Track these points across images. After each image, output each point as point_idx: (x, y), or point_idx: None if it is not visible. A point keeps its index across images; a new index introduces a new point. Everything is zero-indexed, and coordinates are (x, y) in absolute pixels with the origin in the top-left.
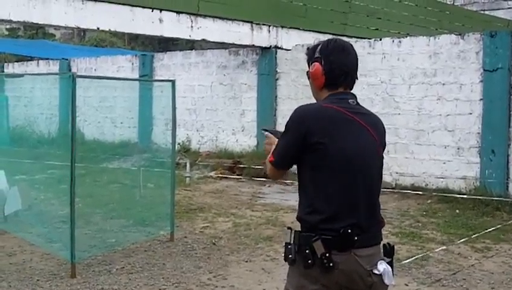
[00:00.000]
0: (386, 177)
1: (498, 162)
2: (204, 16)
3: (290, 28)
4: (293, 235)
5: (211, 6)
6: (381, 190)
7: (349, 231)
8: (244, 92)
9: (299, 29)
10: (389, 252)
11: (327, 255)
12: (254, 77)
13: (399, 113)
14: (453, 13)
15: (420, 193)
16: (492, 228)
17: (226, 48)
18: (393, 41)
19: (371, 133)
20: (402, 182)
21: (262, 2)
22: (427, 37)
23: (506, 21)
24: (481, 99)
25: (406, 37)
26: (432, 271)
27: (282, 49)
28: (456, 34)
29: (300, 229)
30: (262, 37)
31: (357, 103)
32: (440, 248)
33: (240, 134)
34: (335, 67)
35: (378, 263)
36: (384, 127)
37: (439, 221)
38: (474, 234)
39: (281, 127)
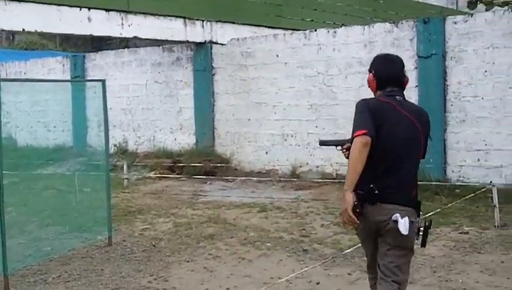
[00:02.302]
0: (327, 168)
1: (435, 148)
2: (135, 13)
3: (225, 22)
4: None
5: (142, 2)
6: (324, 180)
7: (373, 189)
8: (180, 89)
9: (234, 23)
10: (417, 208)
11: (360, 205)
12: (190, 73)
13: (337, 104)
14: (388, 2)
15: None
16: (432, 212)
17: (159, 45)
18: (328, 32)
19: (413, 122)
20: (343, 172)
21: None
22: (361, 26)
23: (439, 8)
24: (416, 86)
25: (341, 27)
26: None
27: (217, 44)
28: (390, 22)
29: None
30: (196, 32)
31: (404, 98)
32: None
33: (178, 132)
34: (380, 75)
35: (397, 214)
36: (428, 119)
37: None
38: None
39: (219, 122)
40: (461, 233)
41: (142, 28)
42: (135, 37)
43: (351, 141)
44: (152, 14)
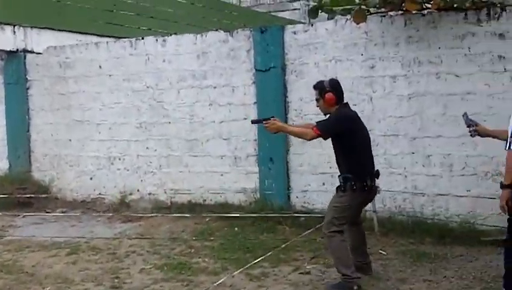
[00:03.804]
0: (160, 196)
1: (277, 171)
2: None
3: (43, 28)
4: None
5: None
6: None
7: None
8: None
9: (54, 29)
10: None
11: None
12: (1, 86)
13: (169, 122)
14: (239, 14)
15: (198, 210)
16: (269, 252)
17: None
18: (157, 40)
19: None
20: (178, 200)
21: None
22: (193, 35)
23: (289, 21)
24: (255, 102)
25: (171, 35)
26: None
27: (33, 52)
28: (225, 31)
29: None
30: (6, 38)
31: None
32: (212, 281)
33: None
34: (340, 93)
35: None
36: None
37: (215, 244)
38: (251, 258)
39: (36, 144)
40: (302, 273)
41: None
42: None
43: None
44: None
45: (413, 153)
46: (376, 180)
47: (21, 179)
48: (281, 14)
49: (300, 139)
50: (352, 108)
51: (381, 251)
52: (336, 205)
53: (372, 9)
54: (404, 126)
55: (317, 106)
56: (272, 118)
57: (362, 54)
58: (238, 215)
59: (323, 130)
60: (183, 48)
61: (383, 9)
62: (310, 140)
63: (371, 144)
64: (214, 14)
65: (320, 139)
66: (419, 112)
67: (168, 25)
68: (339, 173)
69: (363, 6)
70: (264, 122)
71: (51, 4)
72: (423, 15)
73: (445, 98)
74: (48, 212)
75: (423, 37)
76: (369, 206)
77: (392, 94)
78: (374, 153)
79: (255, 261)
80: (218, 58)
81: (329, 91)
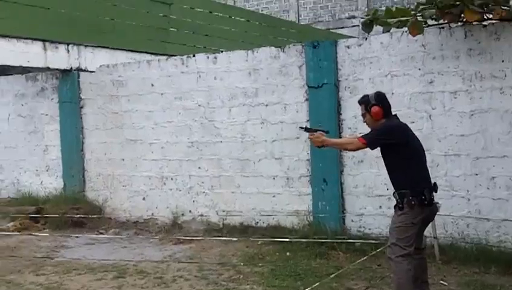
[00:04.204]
0: (212, 217)
1: (331, 193)
2: None
3: (97, 46)
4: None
5: None
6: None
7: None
8: (46, 124)
9: (108, 48)
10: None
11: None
12: (56, 105)
13: (221, 141)
14: (296, 31)
15: (250, 233)
16: (320, 280)
17: (22, 73)
18: (208, 57)
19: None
20: (230, 222)
21: (57, 16)
22: (244, 52)
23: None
24: (308, 120)
25: (222, 52)
26: None
27: (86, 71)
28: (276, 47)
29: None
30: (60, 57)
31: None
32: None
33: (44, 174)
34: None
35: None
36: None
37: (265, 270)
38: (302, 285)
39: (90, 163)
40: None
41: None
42: None
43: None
44: (1, 36)
45: (476, 174)
46: (434, 194)
47: (75, 199)
48: (340, 31)
49: (348, 152)
50: (410, 126)
51: (442, 282)
52: (397, 226)
53: (429, 21)
54: (466, 145)
55: (364, 121)
56: (319, 131)
57: (420, 69)
58: (289, 239)
59: (370, 138)
60: (234, 65)
61: (441, 21)
62: (355, 150)
63: (430, 164)
64: (270, 31)
65: (377, 159)
66: (482, 130)
67: (223, 43)
68: (394, 190)
69: (419, 18)
70: (309, 133)
71: (105, 22)
72: (484, 26)
73: (510, 115)
74: (100, 233)
75: (485, 50)
76: (429, 231)
77: (453, 111)
78: (433, 174)
79: (310, 288)
80: (270, 75)
81: (375, 104)
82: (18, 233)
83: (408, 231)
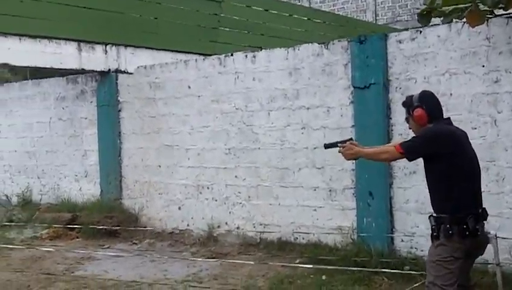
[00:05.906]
0: (249, 230)
1: (378, 208)
2: (5, 35)
3: (139, 47)
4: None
5: (15, 22)
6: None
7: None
8: (85, 128)
9: (151, 48)
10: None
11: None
12: (95, 109)
13: (259, 148)
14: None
15: (288, 249)
16: None
17: (63, 75)
18: (246, 56)
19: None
20: (268, 236)
21: (94, 15)
22: (285, 49)
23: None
24: (353, 125)
25: (261, 50)
26: None
27: (124, 73)
28: (319, 43)
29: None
30: (96, 58)
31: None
32: None
33: (83, 180)
34: (433, 108)
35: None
36: None
37: None
38: None
39: (127, 169)
40: None
41: (16, 53)
42: (5, 64)
43: None
44: (30, 36)
45: None
46: (484, 223)
47: (110, 207)
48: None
49: (384, 161)
50: (472, 133)
51: None
52: (434, 260)
53: (496, 11)
54: None
55: (409, 128)
56: (349, 141)
57: (483, 66)
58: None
59: (409, 146)
60: (274, 64)
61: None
62: (391, 160)
63: (495, 177)
64: (342, 31)
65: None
66: None
67: (282, 43)
68: (430, 214)
69: (481, 6)
70: (339, 145)
71: (148, 22)
72: None
73: None
74: (134, 243)
75: None
76: (491, 257)
77: None
78: (498, 189)
79: None
80: (312, 75)
81: (417, 106)
82: (50, 241)
83: (448, 267)
